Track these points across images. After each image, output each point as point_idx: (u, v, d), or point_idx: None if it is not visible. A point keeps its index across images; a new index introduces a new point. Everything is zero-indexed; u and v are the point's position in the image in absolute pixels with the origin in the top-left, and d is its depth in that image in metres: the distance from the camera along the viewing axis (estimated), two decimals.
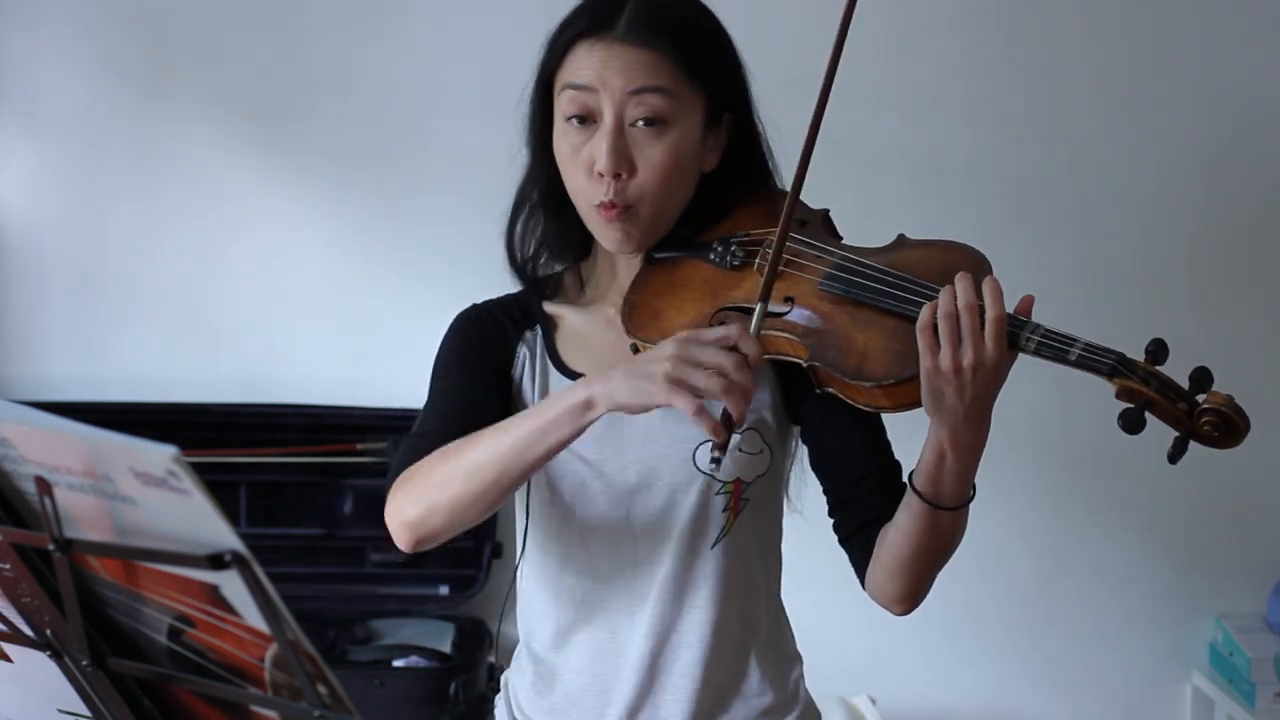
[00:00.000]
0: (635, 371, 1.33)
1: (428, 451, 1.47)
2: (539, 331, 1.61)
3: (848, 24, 1.47)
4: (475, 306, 1.64)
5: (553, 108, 1.54)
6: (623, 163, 1.49)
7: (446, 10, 2.97)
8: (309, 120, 3.00)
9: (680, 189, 1.54)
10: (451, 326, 1.63)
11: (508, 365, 1.59)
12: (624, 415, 1.52)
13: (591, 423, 1.37)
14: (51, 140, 3.04)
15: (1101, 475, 3.01)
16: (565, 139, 1.52)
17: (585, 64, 1.49)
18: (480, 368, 1.58)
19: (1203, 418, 1.31)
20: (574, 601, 1.56)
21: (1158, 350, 1.33)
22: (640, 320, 1.53)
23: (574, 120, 1.50)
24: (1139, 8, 2.97)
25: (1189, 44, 2.96)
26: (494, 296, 1.66)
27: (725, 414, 1.32)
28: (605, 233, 1.53)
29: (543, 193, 1.58)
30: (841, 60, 1.46)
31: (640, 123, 1.49)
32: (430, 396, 1.59)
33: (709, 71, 1.53)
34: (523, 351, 1.59)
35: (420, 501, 1.44)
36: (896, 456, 1.55)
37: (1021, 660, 3.09)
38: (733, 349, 1.33)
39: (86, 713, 1.12)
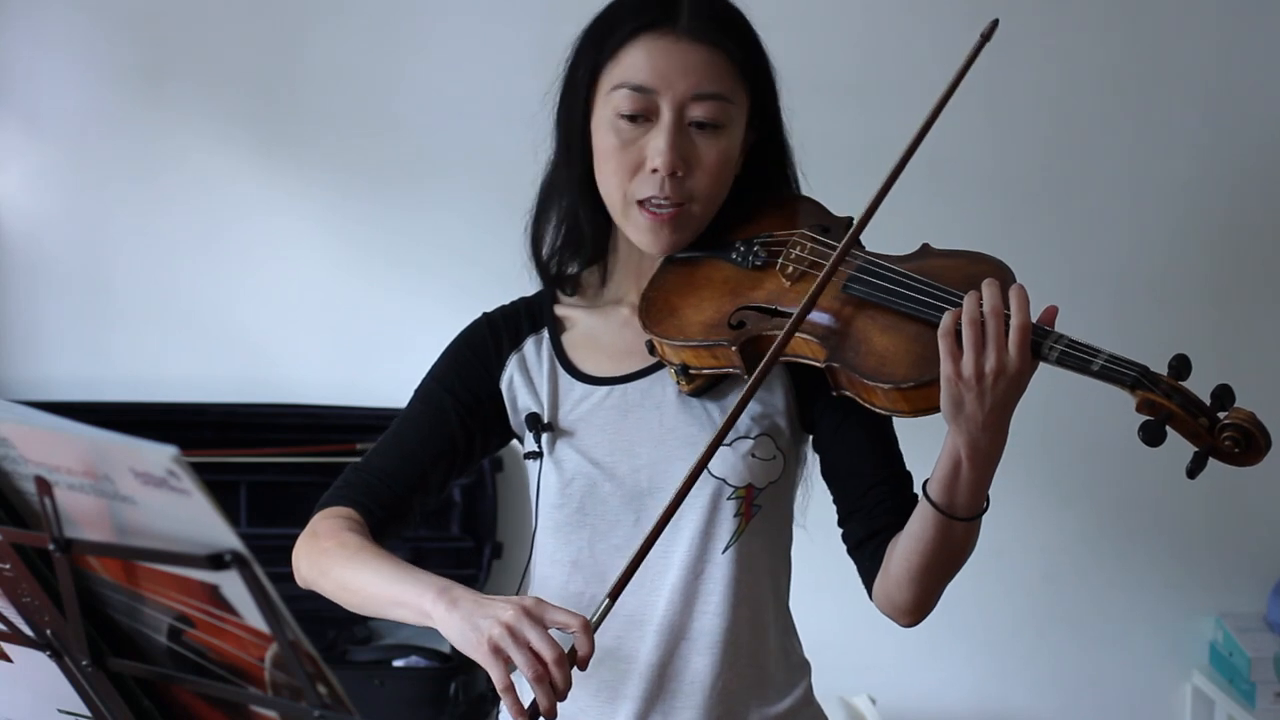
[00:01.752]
0: (471, 615, 1.31)
1: (360, 488, 1.55)
2: (545, 335, 1.60)
3: (964, 73, 1.47)
4: (486, 315, 1.64)
5: (593, 100, 1.52)
6: (680, 162, 1.48)
7: (447, 10, 2.97)
8: (309, 120, 3.00)
9: (725, 191, 1.54)
10: (453, 341, 1.63)
11: (493, 382, 1.59)
12: (635, 415, 1.52)
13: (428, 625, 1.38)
14: (51, 140, 3.04)
15: (1102, 475, 3.01)
16: (613, 133, 1.49)
17: (645, 62, 1.47)
18: (453, 396, 1.59)
19: (1224, 433, 1.30)
20: (580, 603, 1.54)
21: (1180, 366, 1.32)
22: (657, 316, 1.52)
23: (626, 114, 1.48)
24: (1154, 10, 2.96)
25: (1203, 46, 2.96)
26: (511, 299, 1.65)
27: (533, 703, 1.30)
28: (646, 235, 1.51)
29: (578, 188, 1.55)
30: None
31: (697, 125, 1.48)
32: (398, 417, 1.61)
33: (756, 75, 1.53)
34: (513, 363, 1.59)
35: (311, 569, 1.50)
36: (908, 468, 1.54)
37: (1021, 660, 3.09)
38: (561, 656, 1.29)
39: (86, 713, 1.11)
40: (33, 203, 3.05)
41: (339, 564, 1.46)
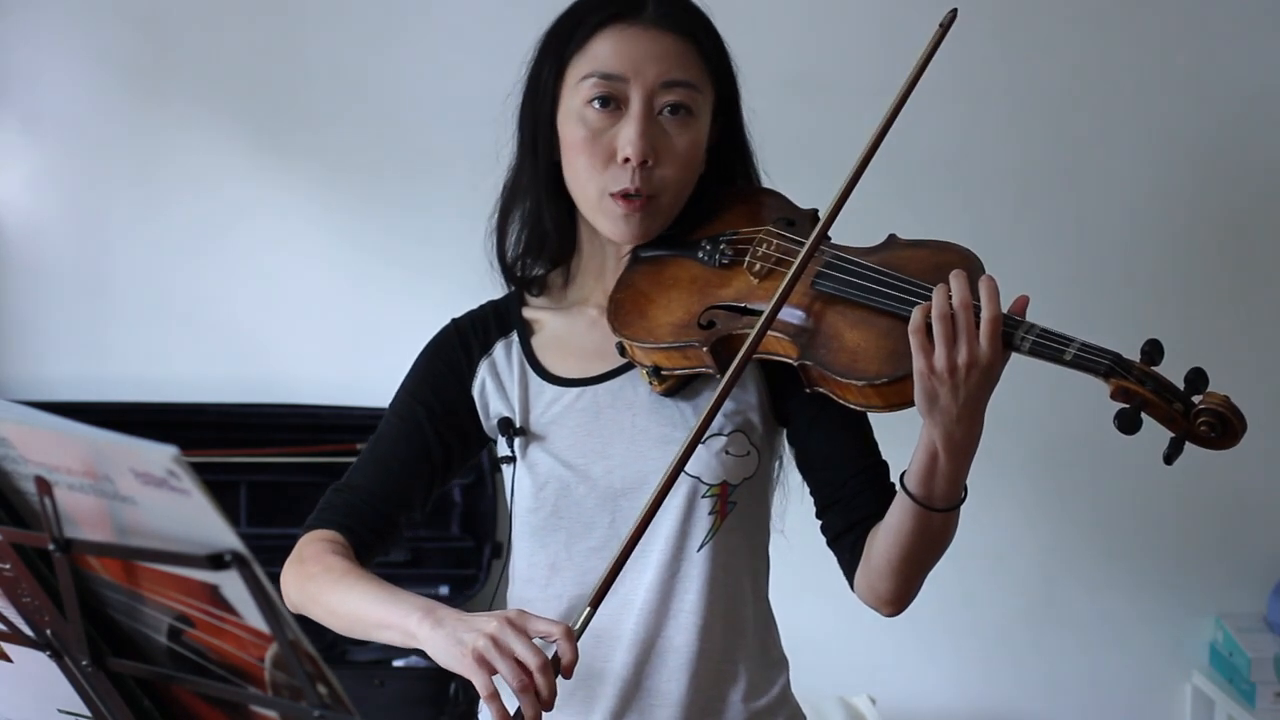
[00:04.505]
0: (455, 630, 1.32)
1: (343, 510, 1.55)
2: (514, 338, 1.60)
3: (925, 64, 1.48)
4: (454, 322, 1.64)
5: (559, 95, 1.52)
6: (651, 150, 1.48)
7: (446, 10, 2.97)
8: (309, 120, 3.00)
9: (693, 182, 1.54)
10: (423, 351, 1.63)
11: (465, 390, 1.59)
12: (607, 415, 1.52)
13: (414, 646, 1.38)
14: (51, 140, 3.04)
15: (1101, 475, 3.00)
16: (582, 124, 1.50)
17: (614, 51, 1.48)
18: (426, 409, 1.59)
19: (1199, 418, 1.30)
20: (560, 605, 1.55)
21: (1153, 351, 1.32)
22: (626, 319, 1.52)
23: (595, 103, 1.49)
24: (1122, 8, 2.96)
25: (1182, 41, 2.96)
26: (480, 303, 1.65)
27: (518, 711, 1.29)
28: (619, 223, 1.51)
29: (543, 186, 1.56)
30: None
31: (667, 111, 1.49)
32: (375, 434, 1.61)
33: (721, 70, 1.54)
34: (484, 369, 1.59)
35: (299, 594, 1.50)
36: (884, 457, 1.54)
37: (1021, 660, 3.09)
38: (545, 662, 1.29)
39: (86, 713, 1.11)
40: (33, 203, 3.04)
41: (325, 589, 1.46)
